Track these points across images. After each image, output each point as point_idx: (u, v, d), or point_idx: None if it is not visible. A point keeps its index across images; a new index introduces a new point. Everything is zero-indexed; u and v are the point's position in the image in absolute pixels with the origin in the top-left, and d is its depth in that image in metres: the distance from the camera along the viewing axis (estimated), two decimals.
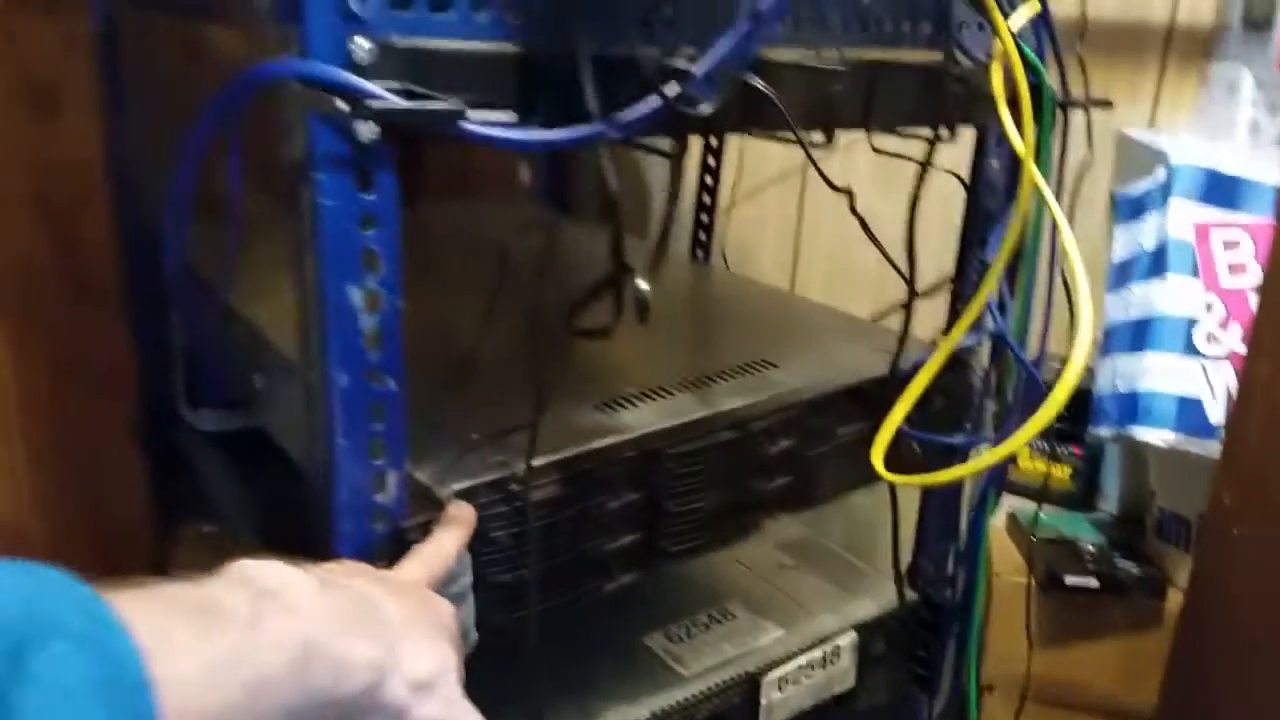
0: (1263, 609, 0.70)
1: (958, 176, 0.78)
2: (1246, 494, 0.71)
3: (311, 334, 0.49)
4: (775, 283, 1.37)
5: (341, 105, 0.41)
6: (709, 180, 1.18)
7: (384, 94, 0.42)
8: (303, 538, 0.71)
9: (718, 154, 1.17)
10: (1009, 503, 1.21)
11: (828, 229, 1.32)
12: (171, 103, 0.92)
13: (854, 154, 0.67)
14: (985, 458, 0.54)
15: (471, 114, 0.44)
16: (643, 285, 0.47)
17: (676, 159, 0.49)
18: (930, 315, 0.77)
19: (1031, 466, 1.26)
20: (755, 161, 1.23)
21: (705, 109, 0.47)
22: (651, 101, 0.46)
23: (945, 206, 0.79)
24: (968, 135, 0.74)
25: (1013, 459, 1.25)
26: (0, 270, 0.80)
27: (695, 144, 1.23)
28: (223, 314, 0.71)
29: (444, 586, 0.51)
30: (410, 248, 0.49)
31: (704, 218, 1.17)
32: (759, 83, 0.51)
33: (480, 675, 0.48)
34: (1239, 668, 0.72)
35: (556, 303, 0.51)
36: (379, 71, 0.44)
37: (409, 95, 0.44)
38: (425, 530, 0.52)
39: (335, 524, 0.51)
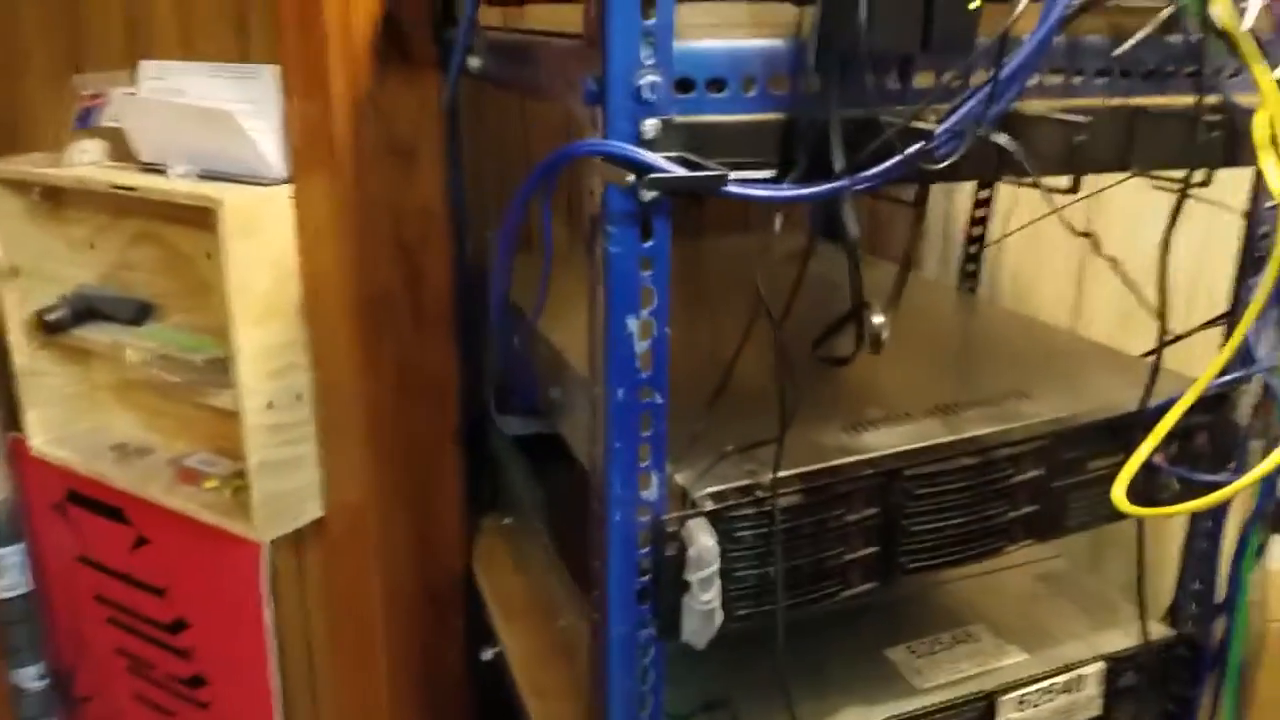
0: None
1: (1241, 214, 0.76)
2: None
3: (596, 355, 0.59)
4: (1056, 316, 1.35)
5: (629, 177, 0.50)
6: (980, 213, 1.19)
7: (665, 165, 0.51)
8: (580, 527, 0.83)
9: (991, 189, 1.18)
10: None
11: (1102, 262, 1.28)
12: (495, 161, 1.08)
13: (1142, 193, 0.68)
14: (1224, 490, 0.54)
15: (733, 176, 0.52)
16: (877, 320, 0.53)
17: (918, 209, 0.54)
18: (1207, 353, 0.76)
19: None
20: (1035, 193, 1.21)
21: (943, 165, 0.52)
22: (891, 160, 0.52)
23: (1227, 245, 0.77)
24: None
25: None
26: (365, 297, 0.99)
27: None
28: (530, 336, 0.84)
29: (695, 572, 0.60)
30: (683, 278, 0.57)
31: (972, 249, 1.18)
32: (1001, 138, 0.55)
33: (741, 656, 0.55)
34: None
35: (808, 330, 0.58)
36: (663, 144, 0.53)
37: (685, 163, 0.53)
38: (680, 524, 0.61)
39: (608, 513, 0.60)
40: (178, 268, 1.14)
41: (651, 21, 0.51)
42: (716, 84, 0.55)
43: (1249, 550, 0.77)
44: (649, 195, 0.53)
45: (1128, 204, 0.94)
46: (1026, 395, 0.76)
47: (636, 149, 0.52)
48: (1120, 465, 0.74)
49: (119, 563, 1.23)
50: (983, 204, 1.14)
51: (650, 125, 0.53)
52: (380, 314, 1.01)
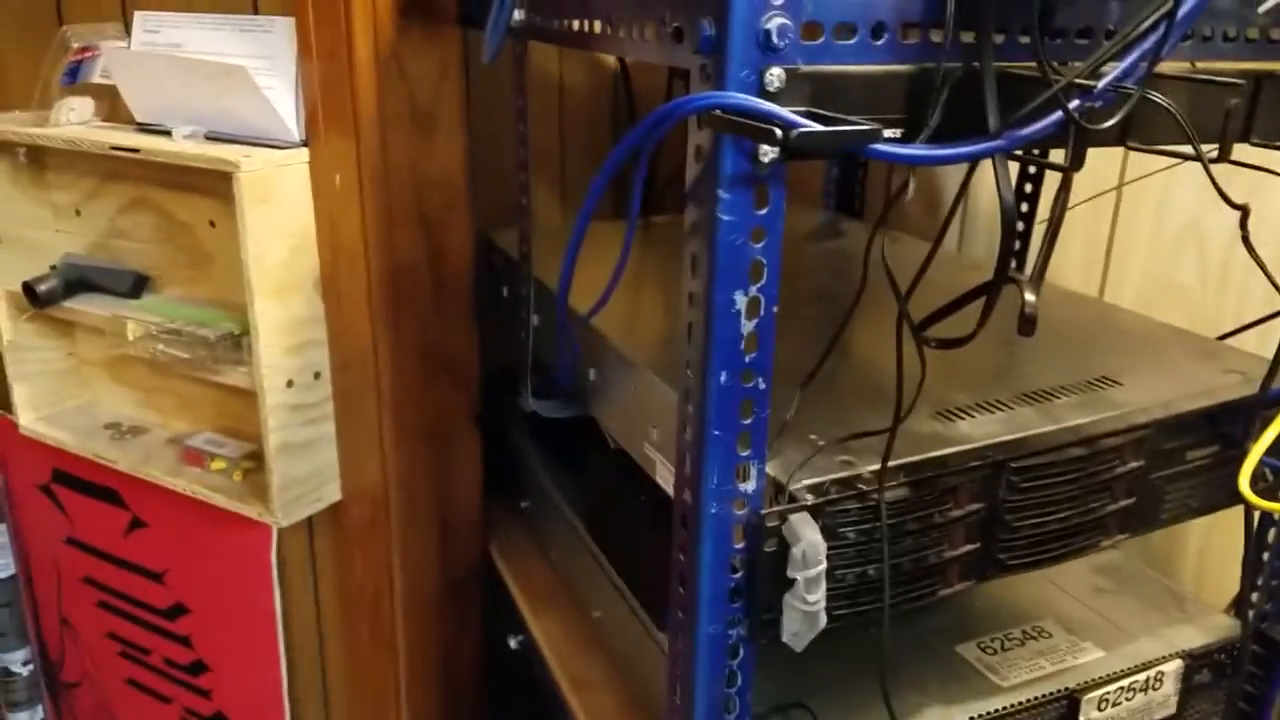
0: None
1: None
2: None
3: (696, 334, 0.53)
4: (1079, 287, 1.31)
5: (776, 132, 0.44)
6: (1029, 188, 1.14)
7: (807, 123, 0.45)
8: (627, 519, 0.78)
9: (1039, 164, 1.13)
10: None
11: (1143, 244, 1.25)
12: (512, 132, 1.02)
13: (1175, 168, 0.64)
14: None
15: (885, 134, 0.47)
16: (1031, 298, 0.48)
17: (1069, 172, 0.49)
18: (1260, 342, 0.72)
19: None
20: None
21: (1110, 122, 0.47)
22: (1053, 117, 0.47)
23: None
24: None
25: None
26: (387, 271, 0.92)
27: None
28: (567, 317, 0.78)
29: (801, 570, 0.55)
30: None
31: (1021, 225, 1.13)
32: (1160, 98, 0.50)
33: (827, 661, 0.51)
34: None
35: (907, 312, 0.53)
36: (785, 97, 0.48)
37: (816, 118, 0.47)
38: (782, 519, 0.55)
39: (702, 506, 0.55)
40: (175, 237, 1.07)
41: None
42: (846, 30, 0.49)
43: None
44: (770, 157, 0.47)
45: (1155, 181, 0.89)
46: (1117, 382, 0.72)
47: (767, 103, 0.46)
48: (1218, 456, 0.71)
49: (112, 546, 1.16)
50: (1032, 180, 1.10)
51: (775, 75, 0.47)
52: (402, 289, 0.94)
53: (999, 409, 0.67)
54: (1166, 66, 0.56)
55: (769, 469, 0.58)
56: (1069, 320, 0.87)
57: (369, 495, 1.00)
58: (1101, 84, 0.47)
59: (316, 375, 0.96)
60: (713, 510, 0.55)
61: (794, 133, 0.43)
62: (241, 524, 1.00)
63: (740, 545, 0.56)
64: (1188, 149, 0.55)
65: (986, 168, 0.50)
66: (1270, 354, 0.69)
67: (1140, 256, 1.27)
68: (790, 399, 0.61)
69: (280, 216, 0.91)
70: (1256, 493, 0.71)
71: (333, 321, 0.96)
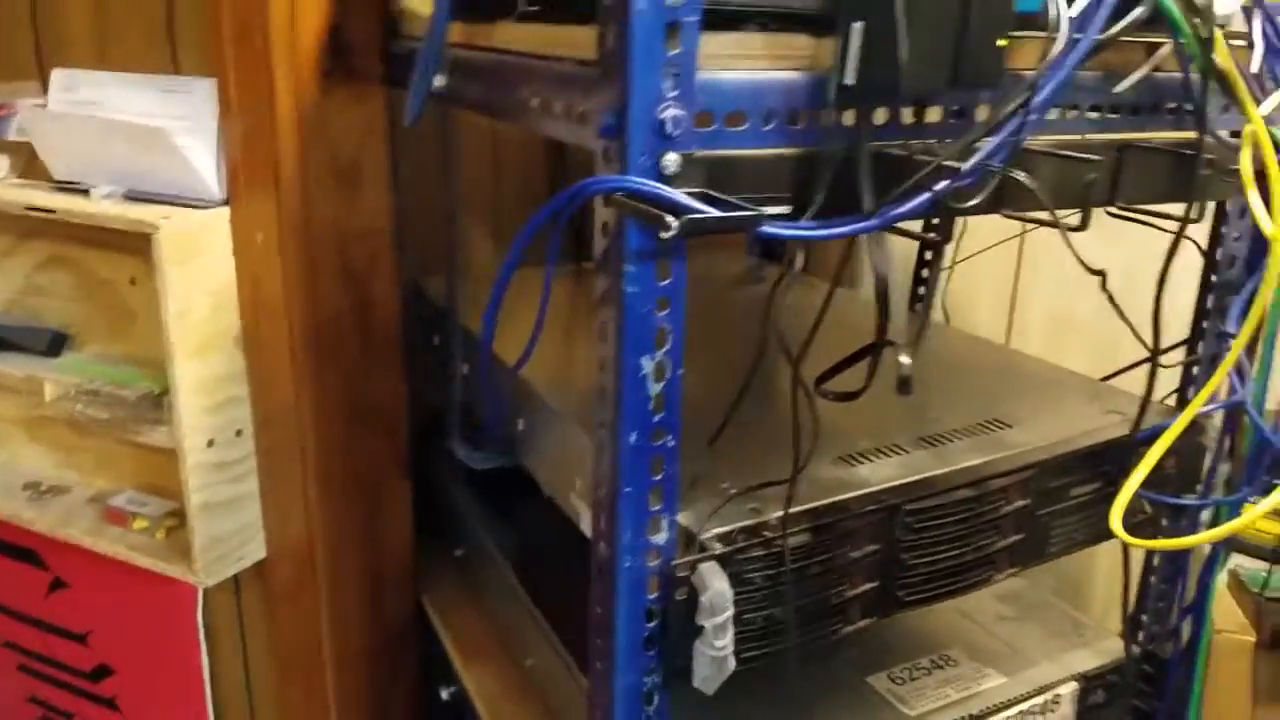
0: None
1: (1199, 246, 0.78)
2: None
3: (607, 397, 0.56)
4: (990, 336, 1.38)
5: (669, 219, 0.48)
6: (935, 238, 1.20)
7: (696, 205, 0.49)
8: (557, 567, 0.80)
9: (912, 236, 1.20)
10: (1234, 561, 1.17)
11: (1046, 285, 1.32)
12: (441, 183, 1.04)
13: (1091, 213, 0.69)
14: (1227, 527, 0.56)
15: (767, 214, 0.51)
16: (906, 361, 0.52)
17: (940, 245, 0.54)
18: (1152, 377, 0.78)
19: (1265, 527, 1.21)
20: (974, 221, 1.24)
21: (974, 201, 0.52)
22: (922, 198, 0.51)
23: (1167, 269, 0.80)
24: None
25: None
26: (311, 325, 0.93)
27: None
28: (497, 370, 0.80)
29: (709, 618, 0.58)
30: None
31: (924, 273, 1.20)
32: (1022, 176, 0.55)
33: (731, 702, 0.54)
34: None
35: (801, 377, 0.57)
36: (682, 179, 0.51)
37: (708, 199, 0.51)
38: (691, 569, 0.58)
39: (617, 560, 0.58)
40: (95, 294, 1.06)
41: (675, 52, 0.49)
42: (735, 117, 0.53)
43: (1217, 567, 0.80)
44: (670, 234, 0.51)
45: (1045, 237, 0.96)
46: (1008, 424, 0.77)
47: (663, 187, 0.50)
48: (1099, 492, 0.76)
49: (32, 608, 1.13)
50: (941, 234, 1.16)
51: (672, 160, 0.51)
52: (327, 342, 0.96)
53: (897, 453, 0.71)
54: (1037, 141, 0.61)
55: (681, 519, 0.61)
56: (970, 365, 0.93)
57: (295, 552, 1.01)
58: (966, 166, 0.51)
59: (239, 432, 0.97)
60: (626, 564, 0.58)
61: (684, 218, 0.47)
62: (166, 583, 0.99)
63: (654, 595, 0.59)
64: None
65: None
66: (1158, 392, 0.75)
67: (1044, 297, 1.35)
68: (703, 449, 0.64)
69: (201, 275, 0.92)
70: (1136, 524, 0.77)
71: (255, 378, 0.97)
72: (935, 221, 1.16)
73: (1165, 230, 0.68)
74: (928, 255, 1.18)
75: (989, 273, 1.36)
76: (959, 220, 1.21)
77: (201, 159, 0.94)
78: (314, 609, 1.02)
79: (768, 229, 0.49)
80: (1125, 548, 0.73)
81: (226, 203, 0.94)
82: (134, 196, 0.96)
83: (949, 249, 1.18)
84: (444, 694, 1.02)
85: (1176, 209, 0.66)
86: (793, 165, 0.55)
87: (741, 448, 0.70)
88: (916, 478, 0.67)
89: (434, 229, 1.06)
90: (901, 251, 1.33)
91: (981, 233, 1.29)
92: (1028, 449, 0.72)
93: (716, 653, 0.58)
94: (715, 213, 0.48)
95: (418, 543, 1.10)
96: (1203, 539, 0.56)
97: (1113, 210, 0.70)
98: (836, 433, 0.74)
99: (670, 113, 0.50)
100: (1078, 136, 0.64)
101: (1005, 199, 0.57)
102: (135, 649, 1.09)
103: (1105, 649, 0.88)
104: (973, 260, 1.31)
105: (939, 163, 0.51)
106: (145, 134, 0.92)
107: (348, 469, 1.00)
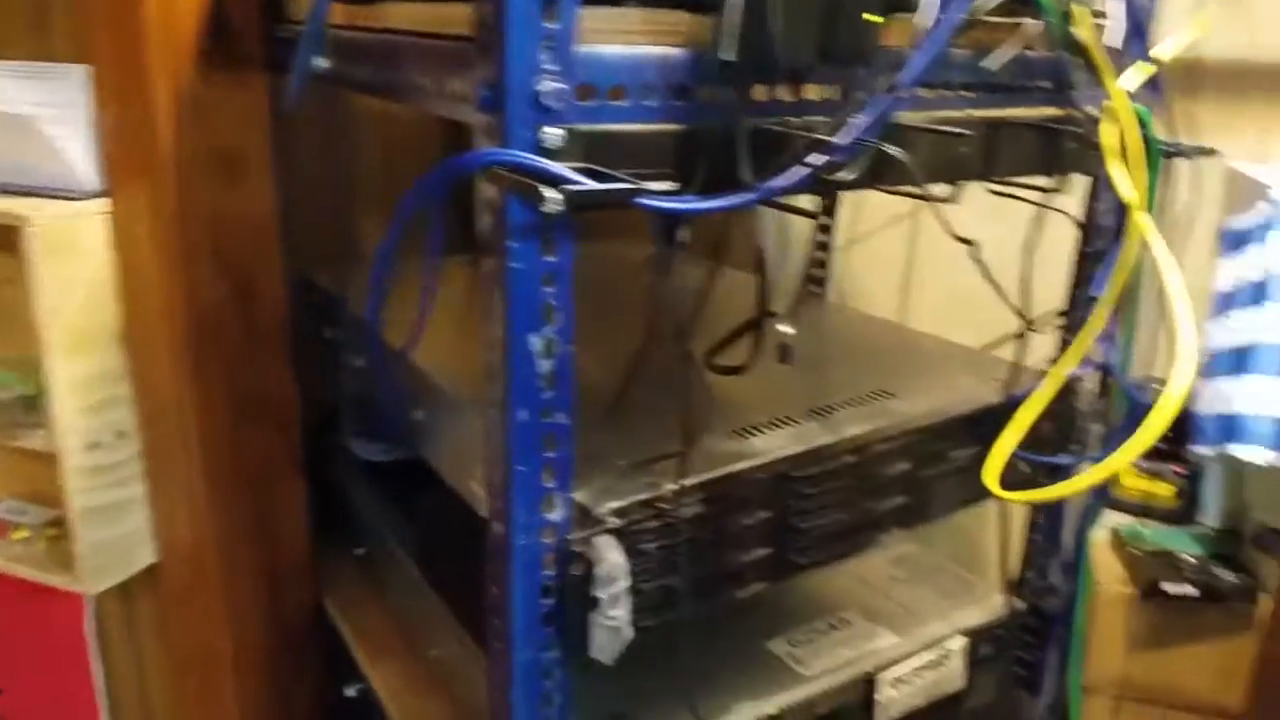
0: None
1: (1073, 219, 0.82)
2: None
3: (496, 376, 0.56)
4: (886, 314, 1.43)
5: (546, 191, 0.48)
6: (825, 219, 1.23)
7: (577, 178, 0.50)
8: (459, 555, 0.80)
9: (834, 198, 1.23)
10: (1114, 519, 1.23)
11: (939, 263, 1.36)
12: (332, 168, 1.02)
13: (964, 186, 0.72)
14: (1090, 475, 0.59)
15: (647, 188, 0.51)
16: (787, 331, 0.54)
17: (820, 218, 0.55)
18: (1039, 344, 0.82)
19: (1136, 485, 1.28)
20: (870, 200, 1.28)
21: (848, 175, 0.53)
22: (798, 171, 0.53)
23: (1051, 244, 0.84)
24: (1080, 178, 0.79)
25: (1118, 478, 1.28)
26: (192, 319, 0.90)
27: None
28: (388, 356, 0.79)
29: (604, 589, 0.58)
30: None
31: (820, 254, 1.22)
32: (894, 150, 0.57)
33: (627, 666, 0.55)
34: None
35: (694, 341, 0.58)
36: (565, 153, 0.52)
37: (591, 174, 0.52)
38: (586, 543, 0.59)
39: (511, 539, 0.58)
40: None
41: (553, 25, 0.50)
42: (617, 91, 0.54)
43: (1090, 523, 0.84)
44: (555, 209, 0.51)
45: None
46: (892, 394, 0.79)
47: (543, 160, 0.50)
48: (978, 455, 0.80)
49: None
50: (827, 211, 1.19)
51: (553, 134, 0.51)
52: (209, 336, 0.93)
53: (789, 424, 0.73)
54: (913, 118, 0.64)
55: (578, 496, 0.61)
56: (860, 341, 0.96)
57: (186, 554, 0.98)
58: (841, 141, 0.53)
59: (121, 434, 0.93)
60: (521, 542, 0.58)
61: (561, 190, 0.47)
62: (51, 595, 0.95)
63: (550, 572, 0.60)
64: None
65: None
66: (1035, 360, 0.78)
67: (937, 275, 1.39)
68: (602, 427, 0.65)
69: (76, 269, 0.88)
70: (1014, 484, 0.81)
71: (136, 376, 0.93)
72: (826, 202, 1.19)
73: (1042, 205, 0.72)
74: (822, 237, 1.21)
75: (884, 253, 1.40)
76: (852, 202, 1.25)
77: (74, 149, 0.90)
78: (209, 612, 0.99)
79: (646, 202, 0.50)
80: (1003, 506, 0.76)
81: (104, 194, 0.91)
82: (5, 189, 0.91)
83: (838, 228, 1.21)
84: (350, 692, 1.00)
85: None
86: (676, 141, 0.55)
87: (639, 425, 0.71)
88: (806, 447, 0.69)
89: (326, 218, 1.04)
90: (798, 233, 1.37)
91: (879, 215, 1.33)
92: (910, 417, 0.75)
93: (612, 623, 0.59)
94: (594, 185, 0.49)
95: (320, 542, 1.08)
96: (1061, 490, 0.59)
97: (994, 188, 0.73)
98: (733, 408, 0.75)
99: (549, 85, 0.50)
100: (954, 114, 0.66)
101: (882, 174, 0.59)
102: (24, 665, 1.04)
103: (993, 606, 0.92)
104: (869, 242, 1.35)
105: (814, 137, 0.53)
106: (12, 123, 0.88)
107: (237, 467, 0.97)
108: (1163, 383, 0.57)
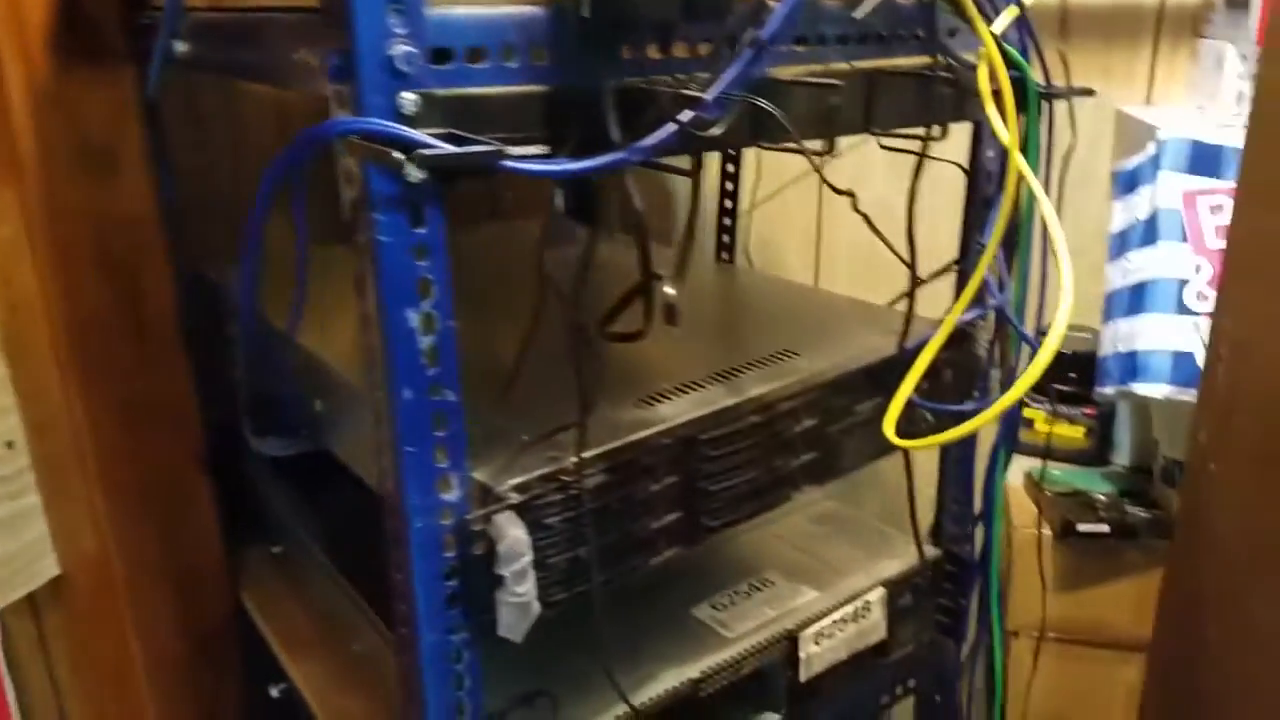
0: (1243, 538, 0.75)
1: (960, 166, 0.83)
2: (1217, 429, 0.76)
3: (375, 356, 0.55)
4: (801, 277, 1.43)
5: (398, 156, 0.47)
6: (729, 185, 1.23)
7: (434, 142, 0.48)
8: (372, 545, 0.78)
9: (736, 160, 1.22)
10: (1027, 464, 1.26)
11: (850, 223, 1.37)
12: (223, 159, 0.98)
13: (868, 151, 0.73)
14: (981, 416, 0.59)
15: (510, 152, 0.50)
16: (670, 291, 0.53)
17: (694, 176, 0.55)
18: (944, 297, 0.83)
19: (1047, 429, 1.31)
20: (775, 162, 1.28)
21: (716, 130, 0.52)
22: (667, 128, 0.52)
23: (956, 196, 0.84)
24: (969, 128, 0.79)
25: (1029, 423, 1.31)
26: (71, 321, 0.86)
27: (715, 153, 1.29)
28: (283, 346, 0.77)
29: (507, 566, 0.57)
30: (456, 270, 0.54)
31: (727, 221, 1.22)
32: (764, 103, 0.56)
33: (550, 645, 0.54)
34: (1223, 591, 0.78)
35: (593, 312, 0.57)
36: (425, 120, 0.50)
37: (454, 140, 0.50)
38: (486, 521, 0.58)
39: (409, 522, 0.57)
40: None
41: None
42: (477, 53, 0.52)
43: (999, 467, 0.85)
44: (417, 177, 0.49)
45: (854, 162, 1.01)
46: (795, 353, 0.79)
47: (399, 127, 0.48)
48: (882, 407, 0.80)
49: None
50: (730, 177, 1.19)
51: (408, 99, 0.49)
52: (94, 339, 0.89)
53: (694, 389, 0.73)
54: (787, 72, 0.63)
55: (477, 474, 0.60)
56: (765, 303, 0.96)
57: (90, 564, 0.94)
58: (709, 95, 0.52)
59: (10, 444, 0.89)
60: (418, 524, 0.57)
61: (417, 154, 0.45)
62: None
63: (451, 553, 0.58)
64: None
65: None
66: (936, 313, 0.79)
67: (846, 237, 1.40)
68: (502, 404, 0.64)
69: None
70: (918, 432, 0.81)
71: (20, 383, 0.89)
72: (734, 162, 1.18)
73: (931, 157, 0.72)
74: (728, 204, 1.21)
75: (795, 216, 1.40)
76: (758, 163, 1.24)
77: None
78: (118, 622, 0.95)
79: (507, 164, 0.48)
80: (910, 457, 0.77)
81: None
82: None
83: (744, 192, 1.21)
84: (274, 692, 0.98)
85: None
86: (544, 103, 0.54)
87: (540, 399, 0.69)
88: (710, 410, 0.69)
89: (219, 211, 1.00)
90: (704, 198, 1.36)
91: (786, 176, 1.33)
92: (813, 373, 0.75)
93: (519, 599, 0.58)
94: (450, 149, 0.47)
95: (237, 542, 1.05)
96: (954, 434, 0.60)
97: (885, 142, 0.73)
98: (639, 376, 0.75)
99: (400, 49, 0.49)
100: (830, 67, 0.66)
101: (760, 131, 0.59)
102: None
103: (911, 556, 0.93)
104: (781, 205, 1.35)
105: (681, 93, 0.52)
106: None
107: (136, 472, 0.93)
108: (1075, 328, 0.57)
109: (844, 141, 0.67)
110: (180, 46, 0.74)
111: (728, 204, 1.20)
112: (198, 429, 0.99)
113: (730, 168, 1.20)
